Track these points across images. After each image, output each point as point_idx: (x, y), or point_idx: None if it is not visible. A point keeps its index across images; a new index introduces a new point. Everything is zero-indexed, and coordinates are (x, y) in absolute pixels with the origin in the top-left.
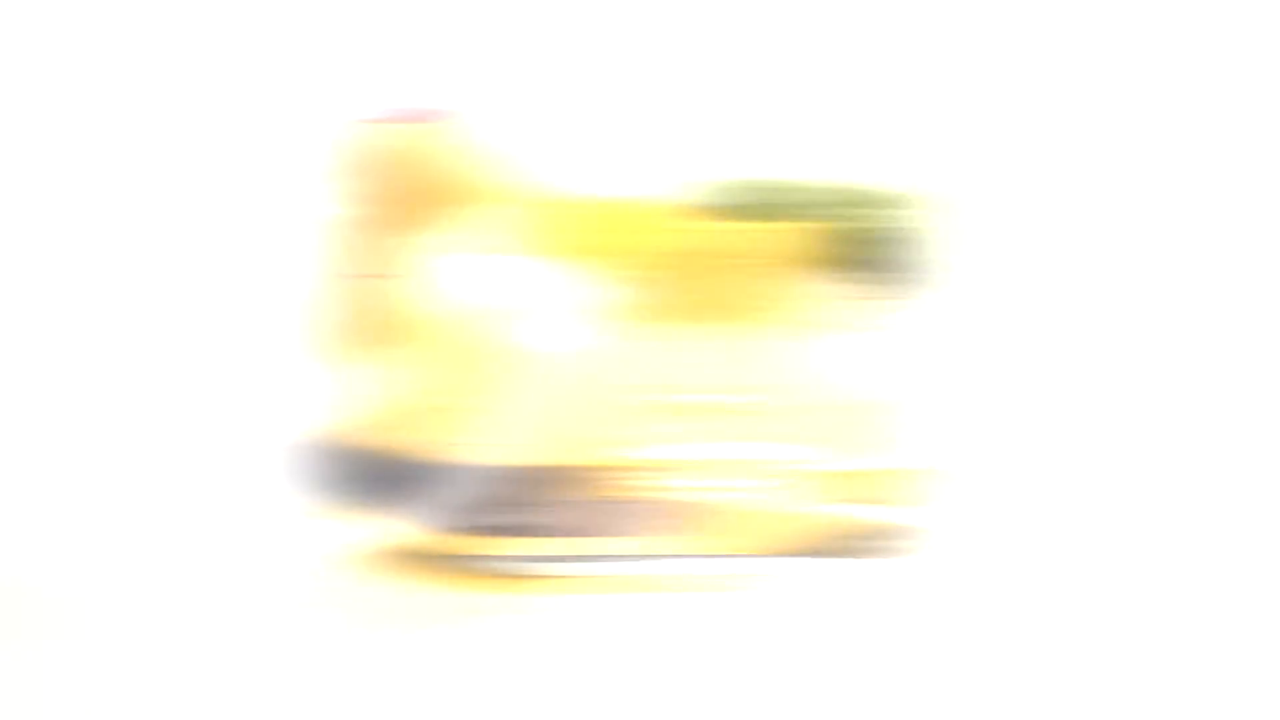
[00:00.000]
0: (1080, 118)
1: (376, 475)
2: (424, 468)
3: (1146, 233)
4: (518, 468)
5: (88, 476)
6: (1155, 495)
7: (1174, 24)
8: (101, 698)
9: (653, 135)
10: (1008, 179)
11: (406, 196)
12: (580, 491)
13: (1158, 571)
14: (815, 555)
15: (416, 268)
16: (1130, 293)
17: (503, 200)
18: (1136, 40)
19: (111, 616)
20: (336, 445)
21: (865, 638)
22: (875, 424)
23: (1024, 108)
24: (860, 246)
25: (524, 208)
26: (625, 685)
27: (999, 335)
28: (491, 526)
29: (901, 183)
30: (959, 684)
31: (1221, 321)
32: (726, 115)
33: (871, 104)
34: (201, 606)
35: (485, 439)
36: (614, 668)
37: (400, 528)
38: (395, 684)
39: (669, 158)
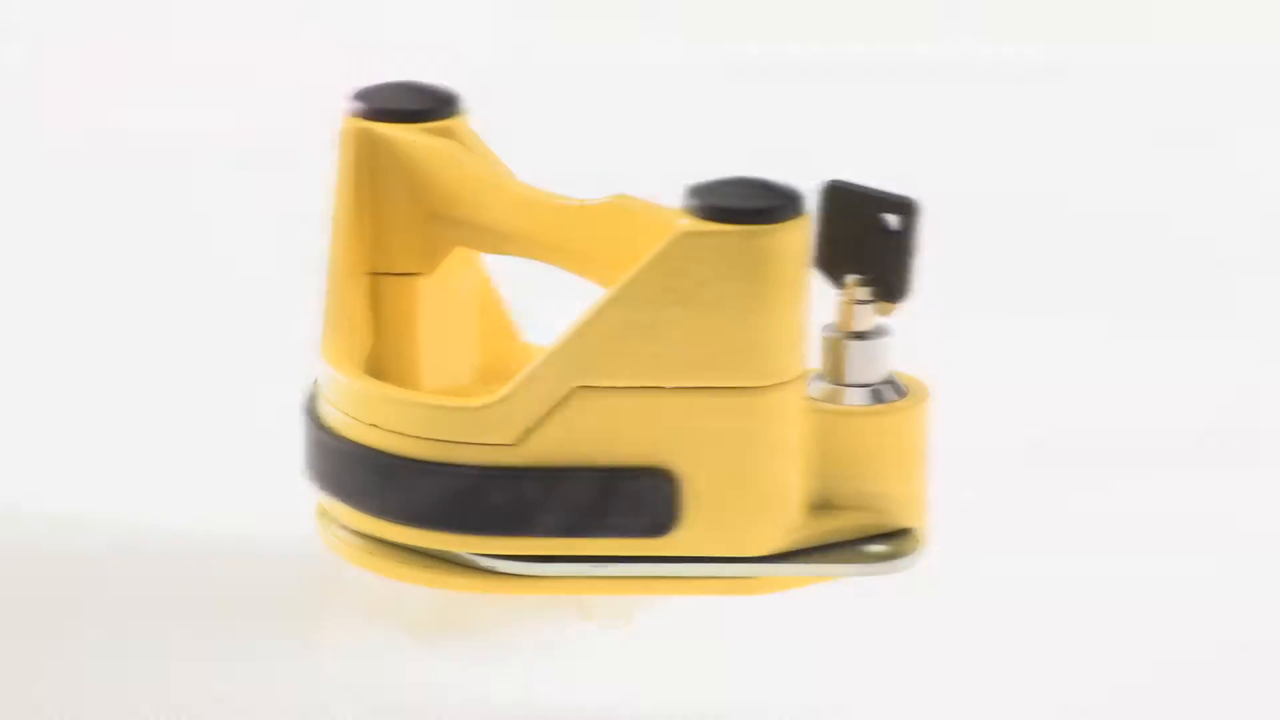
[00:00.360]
0: (1069, 122)
1: (375, 471)
2: (424, 463)
3: (1137, 231)
4: (520, 462)
5: (89, 472)
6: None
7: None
8: (101, 694)
9: (651, 136)
10: (1000, 181)
11: (407, 195)
12: (583, 482)
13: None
14: (812, 548)
15: (417, 265)
16: (1122, 289)
17: (502, 199)
18: (1124, 45)
19: (111, 611)
20: (338, 440)
21: (864, 630)
22: (871, 418)
23: (1014, 111)
24: (858, 246)
25: (523, 207)
26: (623, 684)
27: (994, 330)
28: (491, 523)
29: (898, 183)
30: (960, 677)
31: (1216, 319)
32: (724, 116)
33: (869, 109)
34: (200, 599)
35: (487, 433)
36: (613, 666)
37: (397, 523)
38: (390, 679)
39: (663, 158)
